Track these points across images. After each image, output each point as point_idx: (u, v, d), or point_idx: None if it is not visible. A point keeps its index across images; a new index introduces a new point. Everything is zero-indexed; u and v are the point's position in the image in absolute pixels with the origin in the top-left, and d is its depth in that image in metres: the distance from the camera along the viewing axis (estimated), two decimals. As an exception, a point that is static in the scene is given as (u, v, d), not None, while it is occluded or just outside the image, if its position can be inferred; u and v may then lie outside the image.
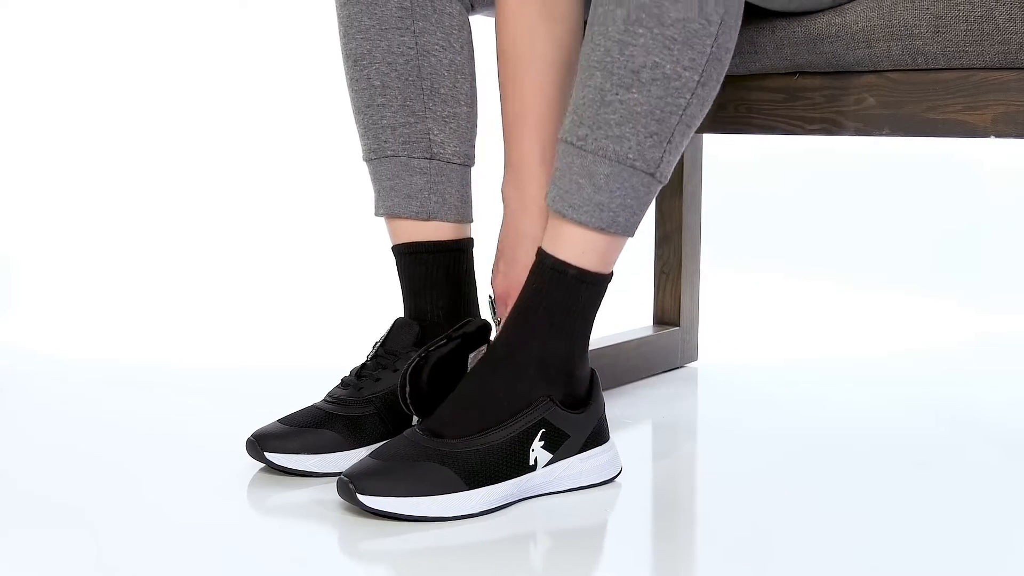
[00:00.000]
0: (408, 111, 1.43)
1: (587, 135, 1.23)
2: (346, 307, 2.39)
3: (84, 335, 2.13)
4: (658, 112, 1.21)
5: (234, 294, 2.48)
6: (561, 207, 1.26)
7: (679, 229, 1.91)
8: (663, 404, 1.74)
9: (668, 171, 1.26)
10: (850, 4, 1.44)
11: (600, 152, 1.23)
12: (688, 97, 1.22)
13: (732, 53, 1.25)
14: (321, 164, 2.94)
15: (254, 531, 1.24)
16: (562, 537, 1.23)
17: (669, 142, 1.23)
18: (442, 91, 1.44)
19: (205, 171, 2.93)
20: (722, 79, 1.25)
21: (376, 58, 1.42)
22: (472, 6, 1.48)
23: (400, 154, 1.44)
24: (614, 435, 1.39)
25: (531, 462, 1.28)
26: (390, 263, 1.54)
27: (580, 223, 1.25)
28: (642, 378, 1.86)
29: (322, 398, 1.42)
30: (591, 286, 1.27)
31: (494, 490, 1.25)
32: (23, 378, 1.86)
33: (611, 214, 1.24)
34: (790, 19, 1.47)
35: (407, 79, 1.42)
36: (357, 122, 1.46)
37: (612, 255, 1.28)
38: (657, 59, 1.20)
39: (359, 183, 1.83)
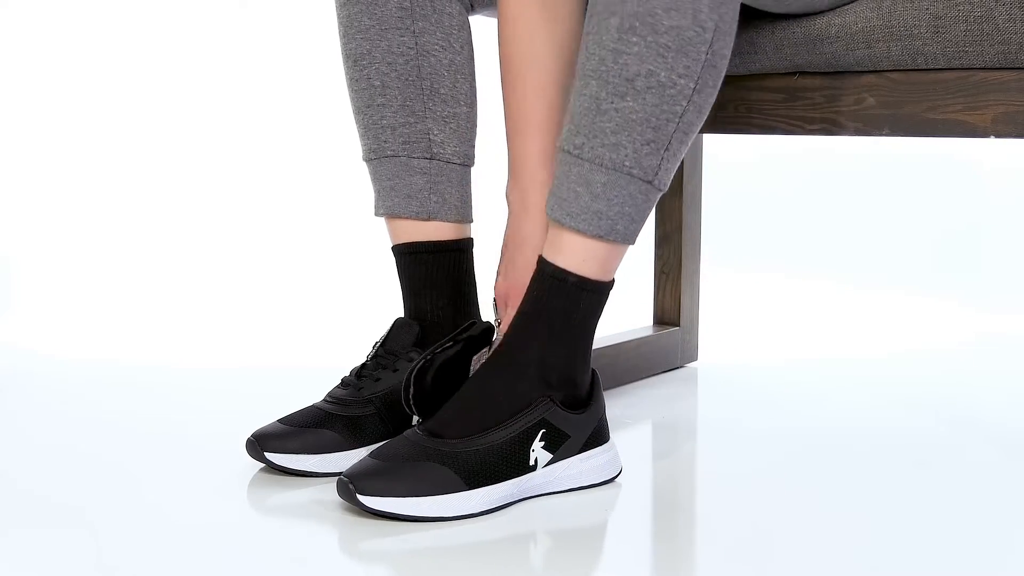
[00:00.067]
0: (408, 111, 1.43)
1: (583, 144, 1.24)
2: (346, 307, 2.39)
3: (84, 335, 2.13)
4: (654, 120, 1.21)
5: (234, 294, 2.48)
6: (559, 215, 1.26)
7: (679, 229, 1.91)
8: (663, 404, 1.74)
9: (667, 179, 1.26)
10: (850, 5, 1.44)
11: (597, 160, 1.23)
12: (684, 104, 1.22)
13: (728, 59, 1.25)
14: (321, 164, 2.94)
15: (254, 531, 1.24)
16: (562, 537, 1.23)
17: (667, 149, 1.23)
18: (442, 91, 1.44)
19: (205, 171, 2.93)
20: (719, 85, 1.25)
21: (376, 58, 1.42)
22: (472, 6, 1.48)
23: (400, 154, 1.44)
24: (614, 435, 1.39)
25: (531, 462, 1.28)
26: (390, 263, 1.54)
27: (578, 231, 1.25)
28: (642, 378, 1.86)
29: (322, 398, 1.42)
30: (592, 294, 1.27)
31: (494, 490, 1.25)
32: (23, 378, 1.86)
33: (609, 222, 1.24)
34: (790, 20, 1.47)
35: (407, 79, 1.43)
36: (357, 122, 1.46)
37: (612, 263, 1.28)
38: (651, 67, 1.20)
39: (359, 183, 1.83)
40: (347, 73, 1.45)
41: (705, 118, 1.26)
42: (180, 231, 2.79)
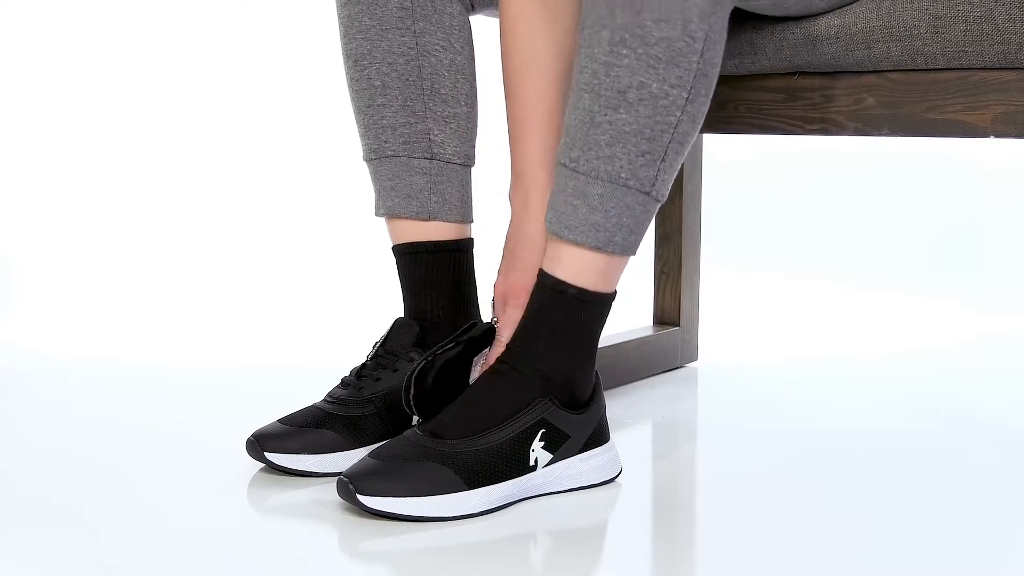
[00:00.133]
0: (408, 111, 1.43)
1: (579, 156, 1.24)
2: (346, 307, 2.39)
3: (84, 335, 2.13)
4: (648, 131, 1.22)
5: (234, 294, 2.48)
6: (557, 228, 1.26)
7: (679, 229, 1.91)
8: (663, 404, 1.74)
9: (665, 189, 1.26)
10: (850, 6, 1.44)
11: (592, 173, 1.23)
12: (678, 115, 1.22)
13: (719, 67, 1.25)
14: (321, 164, 2.94)
15: (254, 531, 1.24)
16: (562, 537, 1.23)
17: (663, 160, 1.24)
18: (442, 91, 1.44)
19: (205, 171, 2.93)
20: (711, 94, 1.26)
21: (376, 58, 1.42)
22: (472, 6, 1.48)
23: (400, 154, 1.44)
24: (614, 435, 1.39)
25: (531, 462, 1.28)
26: (390, 263, 1.54)
27: (577, 243, 1.25)
28: (642, 378, 1.86)
29: (322, 398, 1.42)
30: (592, 305, 1.28)
31: (494, 490, 1.26)
32: (23, 378, 1.86)
33: (607, 234, 1.24)
34: (789, 21, 1.47)
35: (407, 79, 1.43)
36: (357, 122, 1.46)
37: (613, 274, 1.28)
38: (643, 79, 1.20)
39: (359, 183, 1.83)
40: (347, 73, 1.45)
41: (700, 127, 1.27)
42: (180, 231, 2.79)
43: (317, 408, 1.39)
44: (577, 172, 1.24)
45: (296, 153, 2.98)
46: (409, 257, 1.45)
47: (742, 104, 1.55)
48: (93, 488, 1.34)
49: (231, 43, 2.99)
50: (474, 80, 1.48)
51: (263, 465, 1.38)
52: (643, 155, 1.23)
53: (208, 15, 3.00)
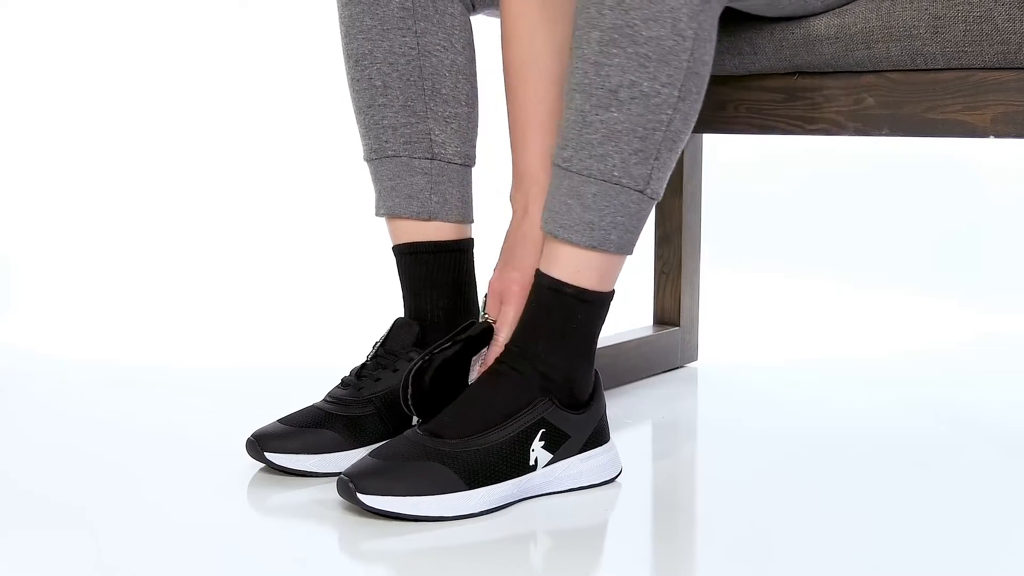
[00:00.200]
0: (409, 111, 1.43)
1: (572, 156, 1.24)
2: (346, 307, 2.39)
3: (84, 335, 2.13)
4: (640, 130, 1.22)
5: (234, 294, 2.48)
6: (553, 228, 1.27)
7: (679, 229, 1.91)
8: (663, 404, 1.74)
9: (659, 187, 1.26)
10: (849, 5, 1.44)
11: (585, 172, 1.24)
12: (670, 113, 1.23)
13: (710, 66, 1.26)
14: (321, 164, 2.94)
15: (254, 531, 1.24)
16: (562, 537, 1.23)
17: (656, 159, 1.24)
18: (443, 91, 1.44)
19: (205, 171, 2.93)
20: (703, 92, 1.26)
21: (377, 58, 1.42)
22: (473, 6, 1.48)
23: (401, 154, 1.44)
24: (614, 435, 1.39)
25: (531, 462, 1.28)
26: (390, 263, 1.54)
27: (572, 243, 1.26)
28: (642, 378, 1.86)
29: (322, 398, 1.42)
30: (589, 304, 1.28)
31: (494, 490, 1.26)
32: (23, 378, 1.86)
33: (602, 232, 1.25)
34: (789, 21, 1.47)
35: (408, 79, 1.43)
36: (358, 122, 1.46)
37: (609, 273, 1.28)
38: (633, 77, 1.21)
39: (359, 183, 1.83)
40: (348, 73, 1.45)
41: (693, 126, 1.27)
42: (180, 231, 2.79)
43: (317, 408, 1.39)
44: (570, 171, 1.25)
45: (296, 153, 2.98)
46: (409, 257, 1.45)
47: (742, 104, 1.55)
48: (93, 488, 1.34)
49: (231, 43, 2.99)
50: (475, 80, 1.48)
51: (263, 465, 1.38)
52: (636, 153, 1.23)
53: (208, 15, 3.00)
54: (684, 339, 1.94)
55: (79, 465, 1.42)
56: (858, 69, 1.45)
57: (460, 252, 1.46)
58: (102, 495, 1.31)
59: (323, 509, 1.26)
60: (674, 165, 1.28)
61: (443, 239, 1.45)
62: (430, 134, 1.44)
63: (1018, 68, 1.35)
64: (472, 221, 1.49)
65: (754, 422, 1.65)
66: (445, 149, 1.45)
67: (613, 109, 1.22)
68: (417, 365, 1.30)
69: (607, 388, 1.75)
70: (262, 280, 2.59)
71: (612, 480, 1.36)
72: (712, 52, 1.25)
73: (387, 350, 1.43)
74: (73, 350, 2.03)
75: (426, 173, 1.44)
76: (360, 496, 1.21)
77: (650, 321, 1.97)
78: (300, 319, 2.32)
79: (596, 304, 1.28)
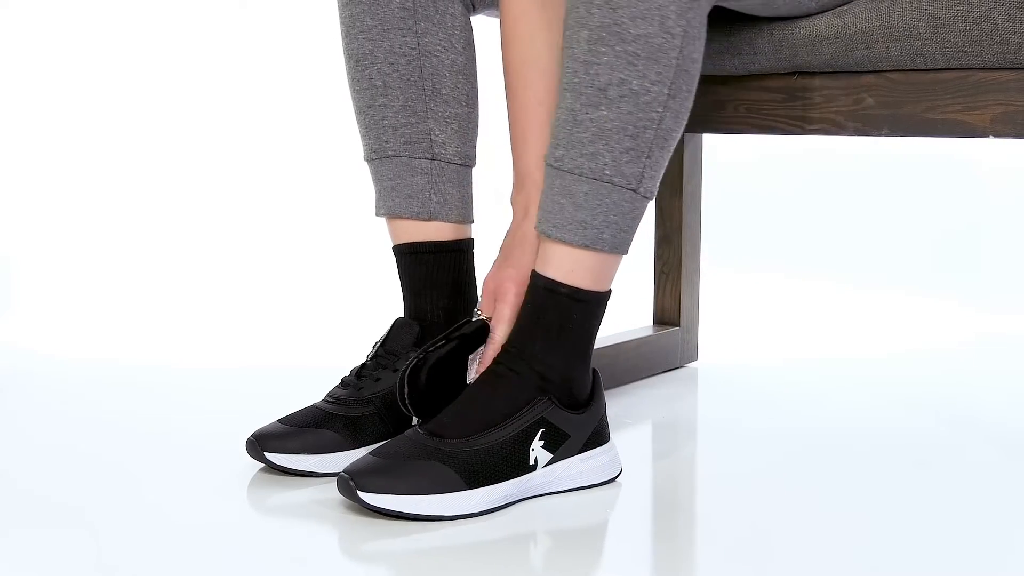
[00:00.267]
0: (409, 111, 1.43)
1: (563, 155, 1.24)
2: (346, 307, 2.39)
3: (84, 335, 2.13)
4: (631, 128, 1.22)
5: (234, 294, 2.48)
6: (546, 228, 1.27)
7: (679, 229, 1.91)
8: (663, 404, 1.74)
9: (652, 186, 1.26)
10: (848, 5, 1.44)
11: (577, 171, 1.24)
12: (660, 111, 1.23)
13: (700, 63, 1.26)
14: (321, 164, 2.94)
15: (254, 531, 1.24)
16: (562, 537, 1.23)
17: (648, 157, 1.24)
18: (443, 91, 1.44)
19: (205, 171, 2.93)
20: (694, 90, 1.26)
21: (378, 58, 1.42)
22: (474, 7, 1.48)
23: (401, 154, 1.44)
24: (614, 435, 1.39)
25: (531, 462, 1.28)
26: (390, 263, 1.54)
27: (565, 242, 1.26)
28: (642, 378, 1.86)
29: (322, 398, 1.42)
30: (585, 304, 1.28)
31: (494, 490, 1.26)
32: (23, 378, 1.86)
33: (595, 231, 1.25)
34: (788, 21, 1.48)
35: (409, 79, 1.43)
36: (358, 122, 1.47)
37: (604, 273, 1.28)
38: (622, 76, 1.21)
39: (360, 183, 1.83)
40: (349, 73, 1.46)
41: (684, 124, 1.27)
42: (180, 231, 2.79)
43: (317, 408, 1.39)
44: (562, 171, 1.25)
45: (296, 153, 2.98)
46: (409, 257, 1.45)
47: (742, 104, 1.55)
48: (93, 488, 1.34)
49: (231, 43, 2.99)
50: (475, 80, 1.48)
51: (263, 465, 1.38)
52: (627, 152, 1.23)
53: (208, 15, 3.00)
54: (684, 339, 1.94)
55: (79, 465, 1.42)
56: (858, 69, 1.45)
57: (460, 252, 1.46)
58: (102, 495, 1.31)
59: (323, 509, 1.26)
60: (666, 164, 1.28)
61: (443, 239, 1.45)
62: (430, 134, 1.44)
63: (1018, 68, 1.35)
64: (472, 221, 1.49)
65: (754, 422, 1.65)
66: (445, 149, 1.45)
67: (603, 107, 1.22)
68: (412, 364, 1.30)
69: (607, 388, 1.75)
70: (262, 280, 2.59)
71: (612, 480, 1.36)
72: (702, 50, 1.26)
73: (387, 350, 1.43)
74: (73, 350, 2.03)
75: (426, 173, 1.44)
76: (361, 494, 1.21)
77: (650, 321, 1.97)
78: (300, 319, 2.32)
79: (592, 303, 1.28)
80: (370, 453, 1.26)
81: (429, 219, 1.45)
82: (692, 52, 1.24)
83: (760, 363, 2.00)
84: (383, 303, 1.90)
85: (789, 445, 1.53)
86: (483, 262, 1.51)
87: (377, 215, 1.48)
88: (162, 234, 2.76)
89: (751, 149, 2.91)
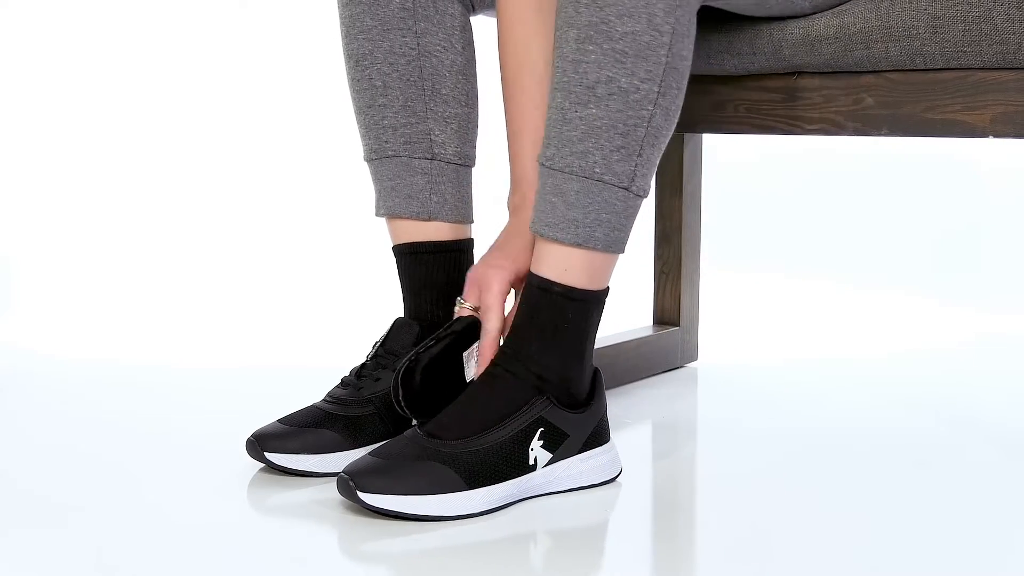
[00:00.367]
0: (409, 111, 1.43)
1: (554, 154, 1.25)
2: (346, 307, 2.39)
3: (84, 335, 2.13)
4: (621, 126, 1.22)
5: (234, 294, 2.48)
6: (539, 227, 1.27)
7: (679, 229, 1.91)
8: (663, 404, 1.74)
9: (645, 184, 1.26)
10: (847, 6, 1.44)
11: (567, 169, 1.24)
12: (651, 108, 1.23)
13: (689, 61, 1.26)
14: (321, 164, 2.94)
15: (254, 531, 1.24)
16: (562, 537, 1.24)
17: (639, 155, 1.24)
18: (443, 92, 1.44)
19: (205, 171, 2.93)
20: (684, 88, 1.26)
21: (378, 58, 1.42)
22: (473, 7, 1.48)
23: (401, 154, 1.44)
24: (614, 435, 1.39)
25: (531, 462, 1.28)
26: (390, 263, 1.54)
27: (557, 241, 1.26)
28: (642, 378, 1.86)
29: (322, 398, 1.42)
30: (580, 303, 1.27)
31: (495, 490, 1.26)
32: (23, 378, 1.86)
33: (587, 230, 1.25)
34: (787, 21, 1.48)
35: (408, 79, 1.43)
36: (358, 122, 1.47)
37: (599, 271, 1.28)
38: (610, 73, 1.21)
39: (359, 183, 1.83)
40: (349, 73, 1.46)
41: (675, 122, 1.27)
42: (180, 231, 2.79)
43: (317, 408, 1.39)
44: (553, 169, 1.25)
45: (296, 153, 2.98)
46: (409, 257, 1.45)
47: (742, 104, 1.55)
48: (93, 488, 1.34)
49: (231, 43, 2.99)
50: (475, 81, 1.48)
51: (263, 465, 1.38)
52: (618, 150, 1.23)
53: (208, 15, 3.00)
54: (684, 339, 1.94)
55: (79, 465, 1.42)
56: (857, 69, 1.45)
57: (460, 252, 1.46)
58: (102, 495, 1.31)
59: (323, 509, 1.27)
60: (658, 162, 1.28)
61: (443, 239, 1.45)
62: (430, 134, 1.44)
63: (1017, 68, 1.35)
64: (472, 221, 1.49)
65: (754, 422, 1.65)
66: (445, 149, 1.45)
67: (591, 106, 1.22)
68: (404, 366, 1.30)
69: (607, 388, 1.75)
70: (262, 280, 2.59)
71: (612, 480, 1.36)
72: (691, 47, 1.26)
73: (387, 350, 1.43)
74: (73, 350, 2.03)
75: (426, 173, 1.44)
76: (360, 494, 1.21)
77: (650, 321, 1.97)
78: (300, 319, 2.32)
79: (588, 302, 1.28)
80: (369, 454, 1.26)
81: (429, 219, 1.45)
82: (681, 50, 1.24)
83: (760, 363, 2.00)
84: (383, 303, 1.90)
85: (789, 445, 1.53)
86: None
87: (377, 215, 1.48)
88: (162, 234, 2.76)
89: (751, 149, 2.91)
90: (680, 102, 1.26)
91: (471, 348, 1.34)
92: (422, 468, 1.23)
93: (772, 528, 1.25)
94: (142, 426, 1.59)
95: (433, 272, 1.44)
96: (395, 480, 1.22)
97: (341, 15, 1.44)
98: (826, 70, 1.47)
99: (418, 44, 1.43)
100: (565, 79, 1.23)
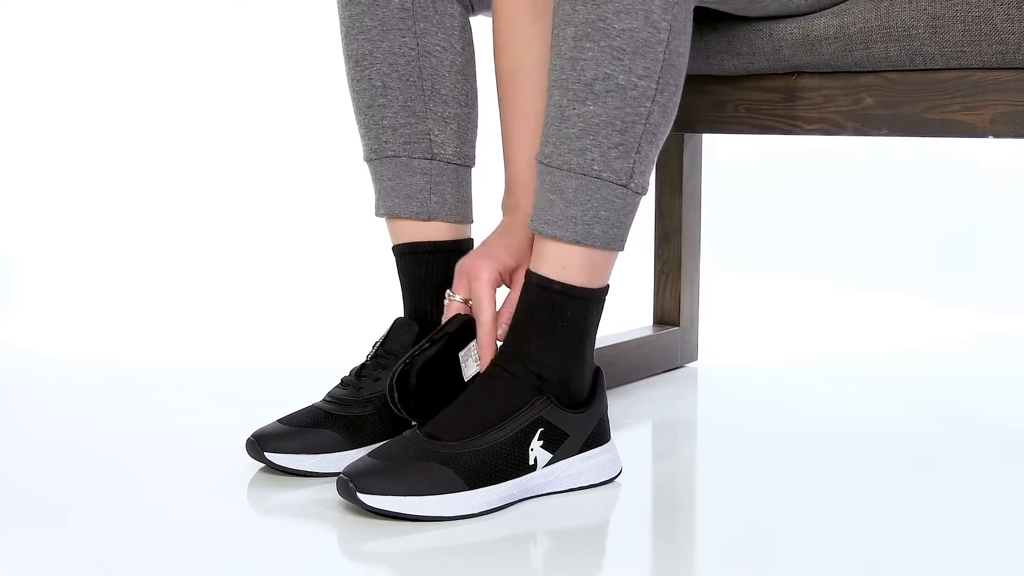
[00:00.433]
0: (409, 112, 1.43)
1: (552, 152, 1.25)
2: (346, 307, 2.39)
3: (84, 335, 2.14)
4: (619, 123, 1.22)
5: (234, 294, 2.48)
6: (538, 225, 1.27)
7: (679, 229, 1.91)
8: (663, 404, 1.74)
9: (643, 181, 1.26)
10: (847, 5, 1.44)
11: (565, 167, 1.24)
12: (649, 105, 1.23)
13: (686, 58, 1.26)
14: (321, 164, 2.94)
15: (254, 531, 1.24)
16: (562, 537, 1.24)
17: (637, 152, 1.24)
18: (443, 92, 1.44)
19: (205, 171, 2.93)
20: (681, 85, 1.26)
21: (377, 59, 1.42)
22: (473, 7, 1.49)
23: (401, 154, 1.44)
24: (614, 435, 1.39)
25: (531, 462, 1.28)
26: (390, 263, 1.54)
27: (556, 238, 1.26)
28: (642, 378, 1.86)
29: (322, 398, 1.42)
30: (579, 300, 1.27)
31: (495, 490, 1.26)
32: (23, 378, 1.86)
33: (585, 227, 1.25)
34: (787, 21, 1.48)
35: (408, 80, 1.43)
36: (358, 122, 1.47)
37: (598, 269, 1.28)
38: (608, 70, 1.21)
39: (359, 183, 1.83)
40: (348, 73, 1.46)
41: (672, 120, 1.27)
42: (180, 231, 2.79)
43: (317, 408, 1.39)
44: (552, 167, 1.25)
45: (296, 153, 2.98)
46: (409, 257, 1.46)
47: (741, 104, 1.55)
48: (93, 488, 1.34)
49: (231, 43, 2.99)
50: (474, 81, 1.48)
51: (263, 465, 1.38)
52: (616, 147, 1.23)
53: (208, 15, 3.00)
54: (684, 339, 1.95)
55: (79, 465, 1.42)
56: (857, 69, 1.45)
57: (459, 252, 1.46)
58: (102, 495, 1.31)
59: (323, 509, 1.27)
60: (656, 159, 1.28)
61: (442, 239, 1.45)
62: (429, 134, 1.44)
63: (1017, 68, 1.35)
64: (471, 221, 1.49)
65: (754, 422, 1.65)
66: (444, 149, 1.45)
67: (589, 103, 1.22)
68: (399, 370, 1.30)
69: (607, 388, 1.75)
70: (262, 280, 2.59)
71: (612, 480, 1.36)
72: (688, 45, 1.26)
73: (387, 350, 1.43)
74: (73, 350, 2.03)
75: (425, 173, 1.44)
76: (360, 495, 1.21)
77: (650, 321, 1.97)
78: (300, 319, 2.32)
79: (587, 300, 1.28)
80: (368, 455, 1.26)
81: (428, 219, 1.45)
82: (678, 46, 1.24)
83: (760, 363, 2.00)
84: (383, 303, 1.90)
85: (789, 445, 1.53)
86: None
87: (377, 215, 1.48)
88: (162, 234, 2.76)
89: (751, 149, 2.91)
90: (677, 99, 1.27)
91: (467, 348, 1.34)
92: (422, 469, 1.23)
93: (772, 528, 1.25)
94: (142, 426, 1.59)
95: (433, 272, 1.44)
96: (395, 481, 1.22)
97: (341, 15, 1.45)
98: (826, 70, 1.47)
99: (417, 44, 1.43)
100: (563, 76, 1.23)
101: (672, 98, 1.26)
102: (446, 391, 1.32)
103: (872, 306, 2.46)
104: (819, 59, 1.46)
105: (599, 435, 1.34)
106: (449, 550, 1.17)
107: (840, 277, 2.65)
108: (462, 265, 1.36)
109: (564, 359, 1.29)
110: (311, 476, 1.36)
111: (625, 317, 1.95)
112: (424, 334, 1.43)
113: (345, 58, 1.45)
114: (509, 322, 1.32)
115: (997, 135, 1.37)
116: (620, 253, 1.30)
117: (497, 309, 1.34)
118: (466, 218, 1.48)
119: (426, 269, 1.45)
